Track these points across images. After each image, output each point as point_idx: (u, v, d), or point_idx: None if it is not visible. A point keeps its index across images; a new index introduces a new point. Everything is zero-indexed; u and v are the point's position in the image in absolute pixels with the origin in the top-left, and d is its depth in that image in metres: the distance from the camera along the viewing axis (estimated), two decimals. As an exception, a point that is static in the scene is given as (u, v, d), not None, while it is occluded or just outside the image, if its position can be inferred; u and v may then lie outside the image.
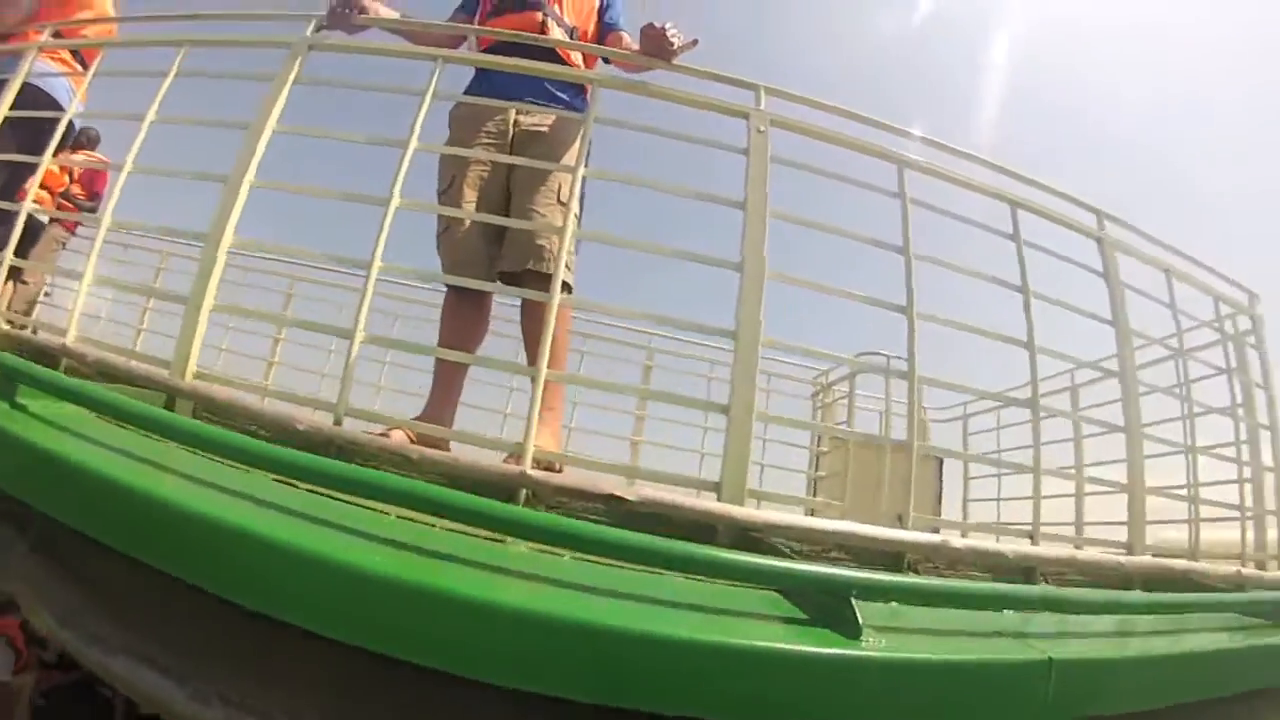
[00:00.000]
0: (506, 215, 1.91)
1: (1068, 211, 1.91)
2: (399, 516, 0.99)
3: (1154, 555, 1.71)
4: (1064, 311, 1.82)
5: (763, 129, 1.51)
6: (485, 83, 1.94)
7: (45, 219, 3.48)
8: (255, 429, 1.34)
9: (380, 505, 0.97)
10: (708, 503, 1.22)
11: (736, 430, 1.29)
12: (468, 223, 1.90)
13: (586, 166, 1.53)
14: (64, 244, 4.31)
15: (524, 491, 1.20)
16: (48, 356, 1.48)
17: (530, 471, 1.18)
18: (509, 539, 0.98)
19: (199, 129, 1.71)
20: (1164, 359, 2.21)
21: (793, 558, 1.21)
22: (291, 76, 1.58)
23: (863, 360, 3.84)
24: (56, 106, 2.00)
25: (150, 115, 1.62)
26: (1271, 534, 2.27)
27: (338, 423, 1.31)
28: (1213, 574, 1.74)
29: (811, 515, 1.28)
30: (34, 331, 1.85)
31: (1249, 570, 1.87)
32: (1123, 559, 1.58)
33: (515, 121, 2.00)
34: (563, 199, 1.90)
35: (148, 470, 0.94)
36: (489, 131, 1.99)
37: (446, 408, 1.92)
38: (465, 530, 0.96)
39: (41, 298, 4.49)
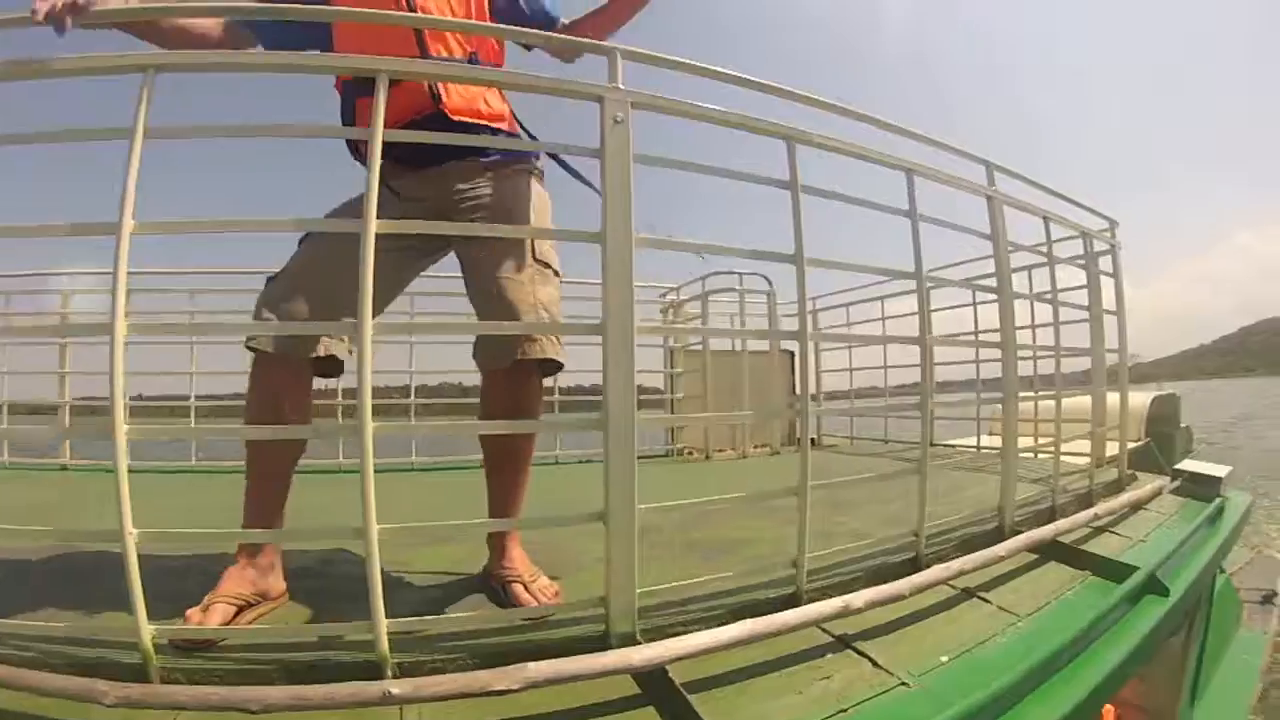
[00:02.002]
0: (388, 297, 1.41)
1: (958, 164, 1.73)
2: None
3: (1022, 529, 1.76)
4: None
5: (620, 117, 1.12)
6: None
7: None
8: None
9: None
10: (601, 658, 1.00)
11: (618, 545, 1.06)
12: (313, 281, 1.30)
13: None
14: None
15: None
16: None
17: (392, 688, 0.89)
18: None
19: None
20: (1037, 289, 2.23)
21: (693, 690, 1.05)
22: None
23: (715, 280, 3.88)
24: None
25: None
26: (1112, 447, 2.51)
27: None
28: (1072, 529, 1.82)
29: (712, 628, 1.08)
30: None
31: (1102, 508, 2.00)
32: (1000, 550, 1.57)
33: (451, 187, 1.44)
34: (540, 256, 1.42)
35: None
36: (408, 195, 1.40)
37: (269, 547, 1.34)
38: None
39: None
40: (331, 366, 1.38)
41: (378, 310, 1.28)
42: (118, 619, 1.09)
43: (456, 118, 1.37)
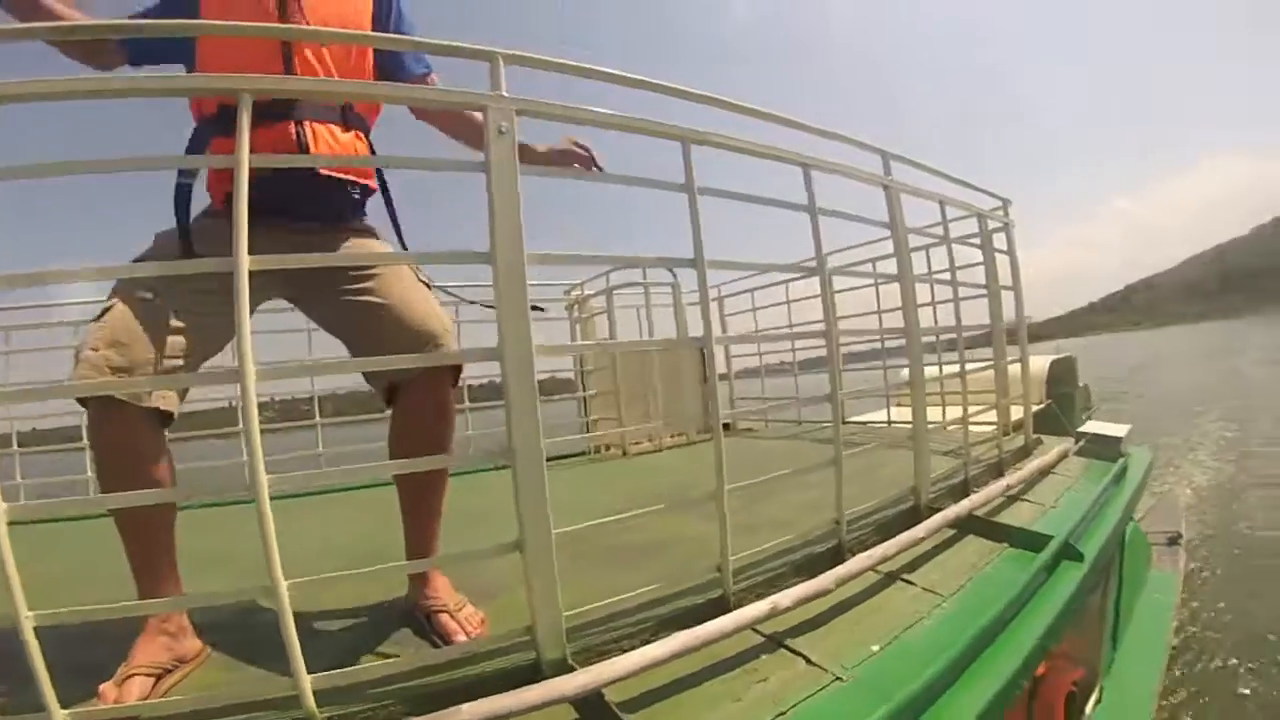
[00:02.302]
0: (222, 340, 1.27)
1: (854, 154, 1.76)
2: None
3: (939, 506, 1.81)
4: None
5: (505, 127, 1.07)
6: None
7: None
8: None
9: None
10: (533, 691, 0.95)
11: (538, 572, 1.01)
12: (141, 321, 1.12)
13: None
14: None
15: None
16: None
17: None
18: None
19: None
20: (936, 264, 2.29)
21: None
22: None
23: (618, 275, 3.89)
24: None
25: None
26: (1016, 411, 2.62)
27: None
28: (986, 501, 1.88)
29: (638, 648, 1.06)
30: None
31: (1013, 478, 2.08)
32: (919, 531, 1.60)
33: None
34: (423, 278, 1.39)
35: None
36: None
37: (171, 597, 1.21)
38: None
39: None
40: (165, 418, 1.20)
41: (211, 354, 1.24)
42: (25, 703, 0.95)
43: (325, 171, 1.29)
